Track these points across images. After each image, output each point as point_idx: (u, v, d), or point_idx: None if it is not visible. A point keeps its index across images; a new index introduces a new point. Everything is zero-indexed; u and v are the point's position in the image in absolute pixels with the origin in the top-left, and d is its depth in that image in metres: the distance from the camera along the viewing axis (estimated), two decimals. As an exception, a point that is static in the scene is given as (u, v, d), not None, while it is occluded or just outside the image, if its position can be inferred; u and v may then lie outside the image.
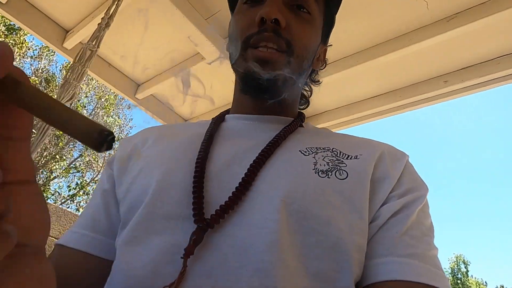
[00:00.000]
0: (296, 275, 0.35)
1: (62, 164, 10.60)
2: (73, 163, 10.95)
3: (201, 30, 1.56)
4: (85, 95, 10.70)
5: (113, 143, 0.20)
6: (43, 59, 10.01)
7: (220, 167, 0.45)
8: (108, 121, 10.89)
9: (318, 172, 0.43)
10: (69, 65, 0.99)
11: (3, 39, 8.76)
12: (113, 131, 0.45)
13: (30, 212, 0.23)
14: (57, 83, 9.96)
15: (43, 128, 0.79)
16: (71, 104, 0.91)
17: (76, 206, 10.69)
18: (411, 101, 1.72)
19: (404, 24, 1.45)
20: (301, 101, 0.65)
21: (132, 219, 0.42)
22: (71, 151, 10.80)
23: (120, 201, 0.47)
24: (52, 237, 2.10)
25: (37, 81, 9.63)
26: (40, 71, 9.96)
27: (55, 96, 0.87)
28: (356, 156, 0.46)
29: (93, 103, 11.01)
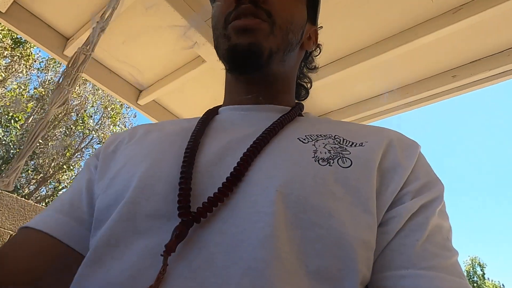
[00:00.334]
0: (294, 274, 0.31)
1: (70, 174, 10.67)
2: (81, 172, 11.00)
3: (200, 32, 1.53)
4: (91, 105, 10.79)
5: None
6: (49, 70, 10.14)
7: (212, 159, 0.41)
8: (114, 130, 10.95)
9: (318, 160, 0.38)
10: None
11: (10, 52, 8.91)
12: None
13: None
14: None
15: (33, 136, 0.76)
16: (63, 109, 0.89)
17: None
18: (419, 97, 1.67)
19: (409, 18, 1.40)
20: (301, 92, 0.62)
21: (110, 218, 0.37)
22: (79, 161, 10.88)
23: (98, 196, 0.43)
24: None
25: (44, 93, 9.75)
26: (47, 82, 10.09)
27: (50, 101, 0.85)
28: (361, 143, 0.41)
29: (100, 113, 11.10)
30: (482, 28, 1.38)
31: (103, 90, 2.09)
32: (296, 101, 0.60)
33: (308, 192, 0.35)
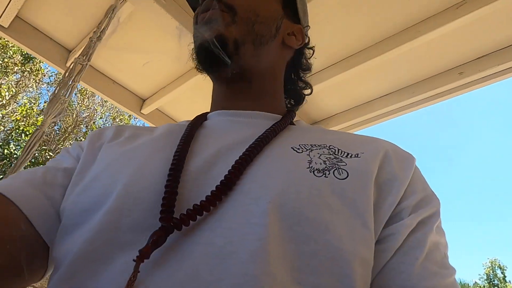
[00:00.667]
0: None
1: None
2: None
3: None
4: (100, 117, 10.94)
5: None
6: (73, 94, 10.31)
7: (201, 166, 0.38)
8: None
9: (313, 171, 0.36)
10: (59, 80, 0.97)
11: (20, 68, 9.10)
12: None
13: None
14: (73, 106, 10.22)
15: (28, 146, 0.75)
16: (59, 120, 0.88)
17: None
18: (425, 96, 1.63)
19: (411, 15, 1.37)
20: (297, 98, 0.61)
21: (88, 228, 0.34)
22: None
23: (71, 197, 0.39)
24: None
25: (54, 106, 9.88)
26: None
27: (45, 112, 0.84)
28: (357, 154, 0.40)
29: (109, 124, 11.24)
30: (488, 22, 1.34)
31: (113, 104, 2.09)
32: (288, 108, 0.59)
33: (304, 203, 0.33)
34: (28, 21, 1.74)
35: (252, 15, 0.49)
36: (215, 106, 0.55)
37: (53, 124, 0.89)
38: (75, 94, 10.35)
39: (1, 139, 8.72)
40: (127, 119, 11.13)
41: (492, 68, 1.44)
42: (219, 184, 0.34)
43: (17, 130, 8.56)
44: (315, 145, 0.41)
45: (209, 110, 0.55)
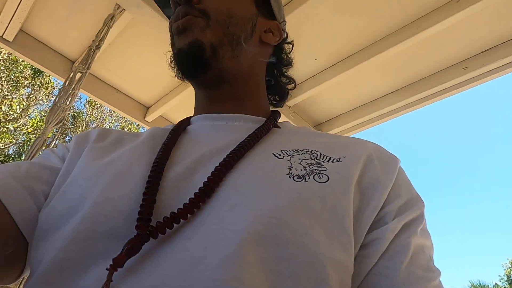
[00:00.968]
0: None
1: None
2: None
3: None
4: (109, 127, 11.07)
5: None
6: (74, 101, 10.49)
7: (181, 173, 0.38)
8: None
9: (293, 177, 0.36)
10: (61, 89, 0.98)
11: (30, 82, 9.30)
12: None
13: None
14: (83, 118, 10.37)
15: (30, 154, 0.76)
16: (58, 128, 0.89)
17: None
18: (429, 93, 1.60)
19: (410, 11, 1.36)
20: (281, 94, 0.61)
21: (63, 235, 0.33)
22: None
23: (52, 204, 0.38)
24: None
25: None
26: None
27: (47, 120, 0.85)
28: (339, 158, 0.39)
29: (118, 134, 11.34)
30: (491, 15, 1.32)
31: (119, 113, 2.11)
32: (273, 109, 0.58)
33: (282, 207, 0.32)
34: (32, 34, 1.77)
35: (226, 17, 0.49)
36: (198, 110, 0.54)
37: (54, 130, 0.89)
38: (84, 105, 10.51)
39: (13, 151, 8.88)
40: (136, 128, 11.25)
41: (497, 61, 1.41)
42: (197, 191, 0.34)
43: (29, 143, 8.71)
44: (297, 150, 0.41)
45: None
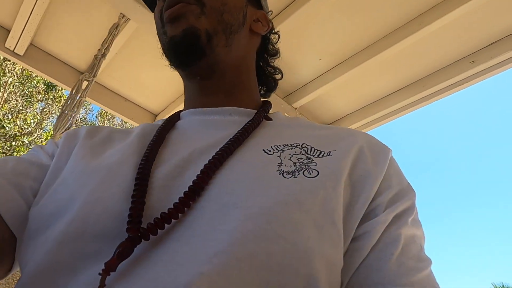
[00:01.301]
0: None
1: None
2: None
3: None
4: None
5: None
6: (80, 109, 10.72)
7: (171, 172, 0.37)
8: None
9: (282, 173, 0.36)
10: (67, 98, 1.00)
11: (43, 96, 9.53)
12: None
13: None
14: (95, 130, 10.54)
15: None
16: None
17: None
18: (437, 89, 1.58)
19: (414, 7, 1.35)
20: (270, 84, 0.60)
21: (50, 234, 0.33)
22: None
23: (42, 204, 0.38)
24: None
25: (77, 130, 10.26)
26: (79, 120, 10.65)
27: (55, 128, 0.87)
28: (329, 152, 0.39)
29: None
30: (497, 6, 1.29)
31: (129, 122, 2.14)
32: (263, 99, 0.58)
33: (272, 203, 0.32)
34: (41, 47, 1.82)
35: (220, 4, 0.48)
36: (188, 103, 0.54)
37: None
38: (96, 117, 10.70)
39: (29, 165, 9.06)
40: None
41: (505, 53, 1.39)
42: (187, 190, 0.33)
43: (43, 156, 8.87)
44: (287, 145, 0.41)
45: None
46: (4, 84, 8.90)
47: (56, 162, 0.43)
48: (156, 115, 2.20)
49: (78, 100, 0.92)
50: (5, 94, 8.88)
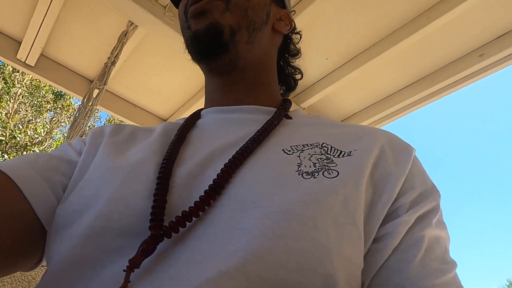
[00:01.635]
0: None
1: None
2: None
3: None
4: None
5: None
6: (89, 117, 10.85)
7: (192, 171, 0.38)
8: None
9: (302, 174, 0.35)
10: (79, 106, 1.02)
11: (52, 105, 9.67)
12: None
13: None
14: (104, 137, 10.65)
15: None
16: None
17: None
18: (446, 84, 1.57)
19: (419, 3, 1.34)
20: (289, 84, 0.60)
21: (76, 229, 0.34)
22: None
23: (70, 200, 0.38)
24: None
25: (86, 138, 10.39)
26: (88, 128, 10.77)
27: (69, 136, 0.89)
28: (350, 152, 0.38)
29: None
30: (503, -1, 1.28)
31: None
32: (282, 95, 0.58)
33: (291, 202, 0.32)
34: (52, 57, 1.85)
35: (244, 1, 0.48)
36: (208, 101, 0.54)
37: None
38: (104, 123, 10.80)
39: (40, 174, 9.18)
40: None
41: (514, 45, 1.37)
42: (207, 189, 0.34)
43: (54, 164, 8.99)
44: (307, 144, 0.40)
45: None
46: (14, 95, 9.05)
47: (83, 160, 0.44)
48: (165, 120, 2.22)
49: (89, 108, 0.94)
50: (15, 105, 9.04)
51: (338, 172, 0.35)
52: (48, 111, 9.81)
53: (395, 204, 0.35)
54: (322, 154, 0.38)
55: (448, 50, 1.52)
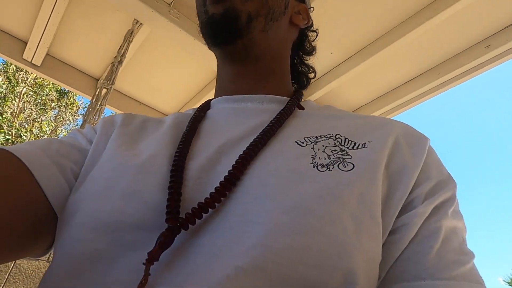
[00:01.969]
0: (280, 286, 0.27)
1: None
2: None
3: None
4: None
5: None
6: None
7: (204, 164, 0.38)
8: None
9: (317, 166, 0.35)
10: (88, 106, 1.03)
11: (56, 103, 9.71)
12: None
13: None
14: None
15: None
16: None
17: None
18: (452, 76, 1.56)
19: (425, -6, 1.33)
20: (302, 81, 0.60)
21: (89, 222, 0.34)
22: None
23: (81, 190, 0.38)
24: None
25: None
26: (92, 126, 10.82)
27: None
28: (364, 144, 0.38)
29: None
30: (510, -11, 1.27)
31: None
32: (295, 89, 0.57)
33: (306, 196, 0.31)
34: (57, 57, 1.86)
35: None
36: (219, 90, 0.54)
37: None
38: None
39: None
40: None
41: (522, 35, 1.36)
42: (222, 180, 0.34)
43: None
44: (320, 136, 0.40)
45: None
46: (19, 94, 9.10)
47: (94, 149, 0.43)
48: (170, 117, 2.23)
49: (98, 108, 0.95)
50: (20, 104, 9.09)
51: (353, 165, 0.35)
52: (53, 109, 9.86)
53: (410, 196, 0.35)
54: (336, 146, 0.38)
55: (455, 41, 1.51)
